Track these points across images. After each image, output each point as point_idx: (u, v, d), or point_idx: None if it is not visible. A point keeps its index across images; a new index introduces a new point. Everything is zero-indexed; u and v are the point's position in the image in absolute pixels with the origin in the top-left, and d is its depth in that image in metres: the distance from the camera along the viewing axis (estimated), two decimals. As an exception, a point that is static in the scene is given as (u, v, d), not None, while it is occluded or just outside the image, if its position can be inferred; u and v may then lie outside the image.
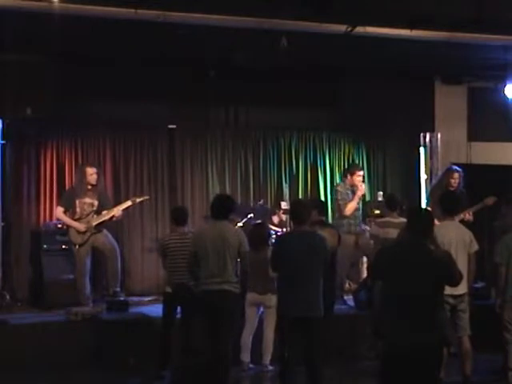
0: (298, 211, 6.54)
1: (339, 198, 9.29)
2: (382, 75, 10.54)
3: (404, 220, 8.05)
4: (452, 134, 11.47)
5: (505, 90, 10.11)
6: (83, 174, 9.00)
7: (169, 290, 7.43)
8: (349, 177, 9.39)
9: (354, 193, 9.21)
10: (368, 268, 9.19)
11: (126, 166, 10.34)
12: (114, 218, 9.07)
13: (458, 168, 9.55)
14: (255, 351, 7.69)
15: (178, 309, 7.46)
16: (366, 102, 10.82)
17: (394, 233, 7.68)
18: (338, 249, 7.71)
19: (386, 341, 5.10)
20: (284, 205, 10.04)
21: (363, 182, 9.55)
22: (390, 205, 8.37)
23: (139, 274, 10.24)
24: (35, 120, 9.46)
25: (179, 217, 7.60)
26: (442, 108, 11.56)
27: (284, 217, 9.91)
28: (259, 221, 8.93)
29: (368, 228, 9.30)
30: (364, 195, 9.64)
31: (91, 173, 8.95)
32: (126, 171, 10.34)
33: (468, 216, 8.84)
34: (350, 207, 9.14)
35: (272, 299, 7.36)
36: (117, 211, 9.00)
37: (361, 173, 9.45)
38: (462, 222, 7.89)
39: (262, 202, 10.11)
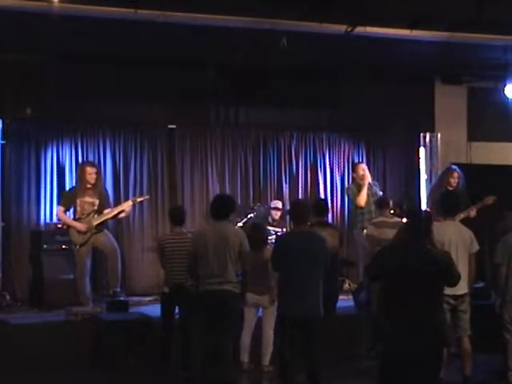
0: (297, 211, 6.55)
1: (350, 193, 9.63)
2: (381, 75, 10.53)
3: (399, 220, 8.14)
4: (452, 134, 11.47)
5: (505, 89, 10.10)
6: (83, 173, 9.01)
7: (166, 290, 7.44)
8: (354, 175, 9.77)
9: (361, 186, 9.42)
10: (365, 268, 9.24)
11: (125, 166, 10.34)
12: (124, 213, 9.05)
13: (457, 168, 9.57)
14: (254, 351, 7.70)
15: (177, 309, 7.47)
16: (366, 101, 10.82)
17: (389, 233, 7.66)
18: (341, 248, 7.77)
19: (386, 341, 5.11)
20: (276, 203, 10.06)
21: (367, 172, 9.63)
22: (380, 205, 8.41)
23: (139, 273, 10.25)
24: (35, 120, 9.46)
25: (176, 216, 7.60)
26: (442, 108, 11.56)
27: (278, 214, 9.91)
28: (256, 222, 8.99)
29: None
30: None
31: (90, 172, 8.95)
32: (125, 171, 10.34)
33: (472, 212, 8.87)
34: (361, 197, 9.35)
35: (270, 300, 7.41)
36: (127, 205, 8.99)
37: (363, 166, 9.77)
38: (462, 221, 7.88)
39: (258, 205, 10.10)
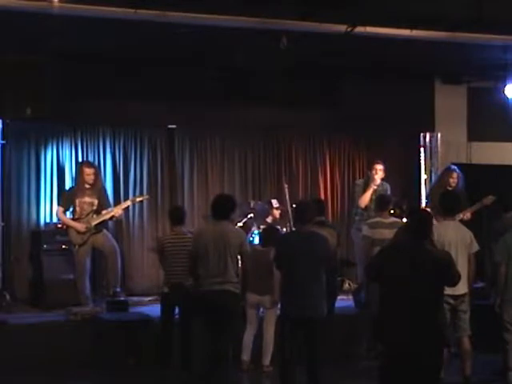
0: (300, 211, 6.56)
1: (355, 190, 9.56)
2: (381, 75, 10.53)
3: (396, 220, 8.13)
4: (452, 134, 11.47)
5: (505, 90, 10.10)
6: (81, 174, 9.01)
7: (166, 290, 7.44)
8: (369, 172, 9.60)
9: (367, 185, 9.32)
10: (365, 269, 9.25)
11: (125, 166, 10.35)
12: (114, 218, 9.09)
13: (456, 168, 9.57)
14: (255, 351, 7.70)
15: (177, 309, 7.47)
16: (365, 101, 10.82)
17: (384, 233, 7.69)
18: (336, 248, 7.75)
19: (386, 342, 5.11)
20: (275, 203, 10.04)
21: (381, 174, 9.42)
22: (380, 205, 8.39)
23: (139, 273, 10.25)
24: (35, 120, 9.45)
25: (176, 216, 7.61)
26: (442, 108, 11.56)
27: (277, 214, 9.89)
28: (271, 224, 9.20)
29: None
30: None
31: (88, 173, 8.95)
32: (125, 171, 10.35)
33: (466, 216, 8.86)
34: (363, 199, 9.25)
35: (272, 300, 7.40)
36: (117, 211, 9.01)
37: (378, 166, 9.43)
38: (461, 221, 7.89)
39: (254, 203, 10.09)
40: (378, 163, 9.50)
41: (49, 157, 9.99)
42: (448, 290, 5.60)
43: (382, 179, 9.46)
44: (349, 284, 10.17)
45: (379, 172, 9.39)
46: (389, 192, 9.37)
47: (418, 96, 11.25)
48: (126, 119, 10.23)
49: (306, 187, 11.15)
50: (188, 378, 7.22)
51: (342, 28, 8.23)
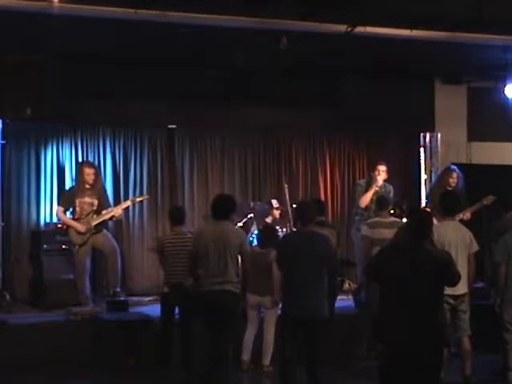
0: (301, 212, 6.56)
1: (356, 190, 9.56)
2: (382, 75, 10.53)
3: (395, 220, 8.13)
4: (452, 133, 11.47)
5: (505, 89, 10.11)
6: (81, 174, 9.02)
7: (166, 290, 7.44)
8: (371, 173, 9.58)
9: (369, 186, 9.31)
10: (364, 269, 9.24)
11: (125, 166, 10.36)
12: (114, 218, 9.10)
13: (456, 168, 9.57)
14: (255, 351, 7.70)
15: (177, 309, 7.47)
16: (365, 101, 10.82)
17: (384, 232, 7.70)
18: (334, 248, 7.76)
19: (386, 342, 5.11)
20: (275, 203, 10.03)
21: (383, 176, 9.39)
22: (380, 205, 8.39)
23: (139, 273, 10.26)
24: (35, 120, 9.45)
25: (176, 216, 7.62)
26: (442, 108, 11.57)
27: (277, 214, 9.88)
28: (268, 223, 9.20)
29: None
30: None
31: (88, 173, 8.95)
32: (125, 171, 10.36)
33: (466, 216, 8.87)
34: (363, 199, 9.25)
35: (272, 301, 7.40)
36: (117, 211, 9.01)
37: (381, 167, 9.41)
38: (461, 221, 7.89)
39: (254, 203, 10.08)
40: (381, 164, 9.49)
41: (49, 157, 10.00)
42: (448, 290, 5.60)
43: (385, 180, 9.46)
44: (349, 284, 10.17)
45: (382, 173, 9.38)
46: (392, 194, 9.36)
47: (418, 96, 11.25)
48: (126, 119, 10.23)
49: (306, 187, 11.15)
50: (188, 378, 7.23)
51: (342, 28, 8.23)
